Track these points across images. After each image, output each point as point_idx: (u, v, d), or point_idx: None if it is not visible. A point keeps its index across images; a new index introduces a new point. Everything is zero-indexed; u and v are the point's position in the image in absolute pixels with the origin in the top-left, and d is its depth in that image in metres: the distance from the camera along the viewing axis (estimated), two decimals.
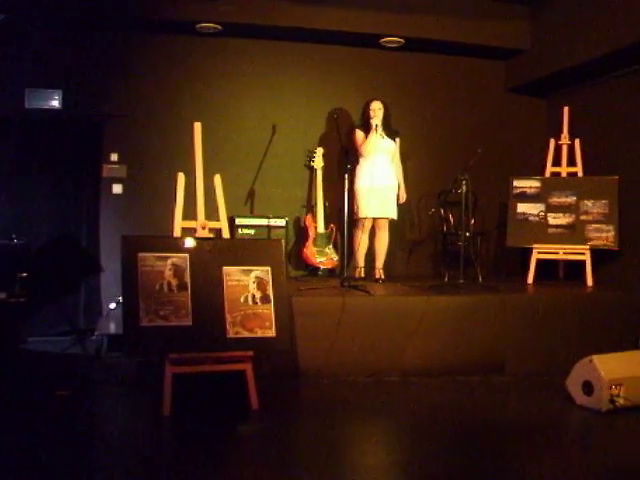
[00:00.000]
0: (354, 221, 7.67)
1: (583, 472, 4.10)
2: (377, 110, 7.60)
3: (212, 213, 5.72)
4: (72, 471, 3.90)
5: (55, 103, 7.55)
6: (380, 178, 7.49)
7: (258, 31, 7.93)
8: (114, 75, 7.75)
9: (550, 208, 7.92)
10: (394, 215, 7.64)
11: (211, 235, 5.70)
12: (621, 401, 5.13)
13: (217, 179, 5.74)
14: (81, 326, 7.44)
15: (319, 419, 5.09)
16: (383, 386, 5.98)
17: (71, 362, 6.44)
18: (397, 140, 7.74)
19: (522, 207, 8.04)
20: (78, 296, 7.64)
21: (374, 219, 7.60)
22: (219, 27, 7.73)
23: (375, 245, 7.72)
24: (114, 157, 7.81)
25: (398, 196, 7.72)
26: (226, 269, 5.32)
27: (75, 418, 4.89)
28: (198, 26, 7.69)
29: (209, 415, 5.03)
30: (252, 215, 8.02)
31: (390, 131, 7.66)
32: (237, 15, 7.58)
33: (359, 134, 7.64)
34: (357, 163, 7.64)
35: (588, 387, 5.24)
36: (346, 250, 7.03)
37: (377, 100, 7.64)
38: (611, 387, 5.13)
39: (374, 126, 7.49)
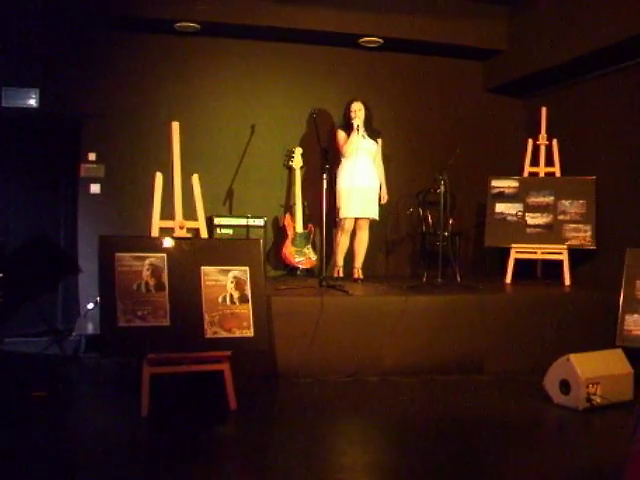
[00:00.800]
0: (335, 221, 7.68)
1: (560, 469, 4.13)
2: (358, 111, 7.59)
3: (191, 213, 5.70)
4: (48, 472, 3.87)
5: (32, 102, 7.49)
6: (362, 179, 7.50)
7: (237, 30, 7.91)
8: (92, 74, 7.70)
9: (528, 208, 7.95)
10: (375, 215, 7.64)
11: (189, 235, 5.68)
12: (598, 399, 5.17)
13: (195, 179, 5.72)
14: (59, 326, 7.40)
15: (297, 419, 5.09)
16: (362, 386, 5.98)
17: (49, 363, 6.40)
18: (379, 141, 7.74)
19: (500, 207, 8.07)
20: (56, 296, 7.60)
21: (355, 219, 7.60)
22: (198, 26, 7.70)
23: (355, 245, 7.72)
24: (92, 156, 7.75)
25: (380, 196, 7.72)
26: (204, 269, 5.31)
27: (52, 419, 4.86)
28: (177, 25, 7.66)
29: (187, 415, 5.02)
30: (231, 215, 8.00)
31: (372, 131, 7.68)
32: (216, 14, 7.56)
33: (341, 134, 7.64)
34: (339, 163, 7.65)
35: (565, 386, 5.27)
36: (325, 250, 7.03)
37: (358, 101, 7.64)
38: (588, 386, 5.17)
39: (355, 126, 7.49)
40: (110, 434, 4.62)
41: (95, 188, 7.78)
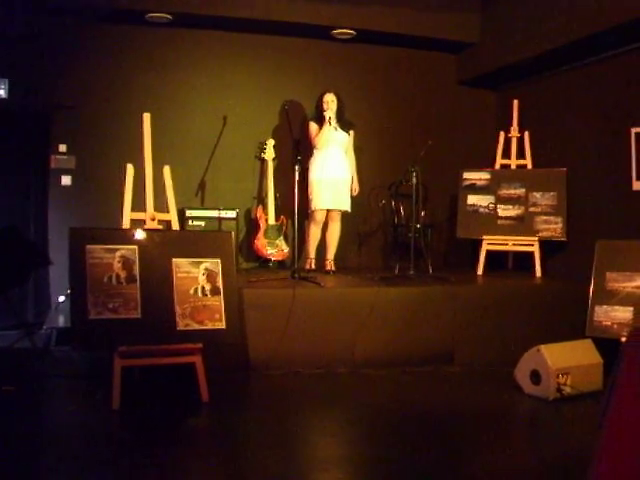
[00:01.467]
0: (307, 213, 7.68)
1: (530, 458, 4.17)
2: (330, 102, 7.59)
3: (162, 205, 5.68)
4: (17, 466, 3.85)
5: (1, 92, 7.41)
6: (334, 170, 7.51)
7: (209, 22, 7.88)
8: (63, 65, 7.62)
9: (500, 200, 7.99)
10: (348, 207, 7.65)
11: (160, 227, 5.66)
12: (568, 389, 5.23)
13: (166, 170, 5.71)
14: (29, 320, 7.35)
15: (269, 411, 5.09)
16: (333, 378, 6.00)
17: (19, 356, 6.35)
18: (351, 132, 7.75)
19: (472, 199, 8.11)
20: (26, 289, 7.53)
21: (327, 211, 7.61)
22: (169, 17, 7.66)
23: (327, 237, 7.73)
24: (63, 148, 7.68)
25: (352, 188, 7.73)
26: (175, 261, 5.29)
27: (21, 413, 4.83)
28: (148, 16, 7.61)
29: (159, 408, 5.00)
30: (203, 207, 7.98)
31: (344, 123, 7.67)
32: (188, 5, 7.52)
33: (313, 126, 7.63)
34: (311, 155, 7.65)
35: (536, 376, 5.32)
36: (297, 242, 7.03)
37: (330, 92, 7.64)
38: (558, 376, 5.22)
39: (328, 118, 7.49)
40: (81, 427, 4.60)
41: (66, 180, 7.72)
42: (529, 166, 8.08)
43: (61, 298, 6.88)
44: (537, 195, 7.83)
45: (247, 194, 8.31)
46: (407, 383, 5.93)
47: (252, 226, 8.20)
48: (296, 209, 6.95)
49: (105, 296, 5.00)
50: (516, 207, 7.91)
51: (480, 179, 8.10)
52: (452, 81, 9.14)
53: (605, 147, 7.35)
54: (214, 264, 5.42)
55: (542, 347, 5.29)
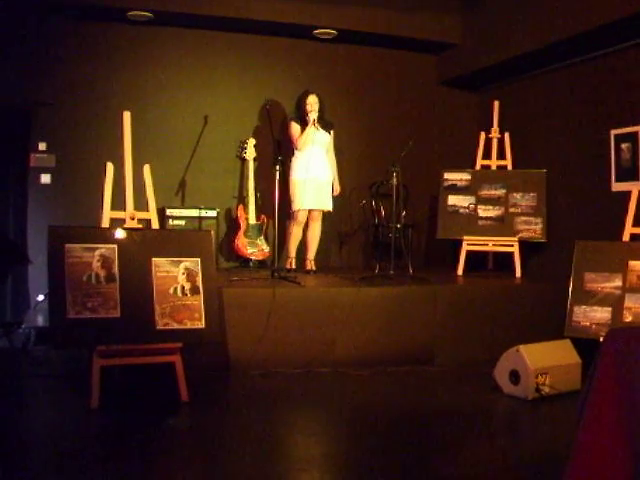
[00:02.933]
0: (288, 213, 7.67)
1: (509, 457, 4.18)
2: (314, 104, 7.60)
3: (142, 204, 5.66)
4: None
5: None
6: (315, 170, 7.52)
7: (190, 20, 7.87)
8: (43, 62, 7.58)
9: (480, 200, 8.02)
10: (329, 207, 7.67)
11: (140, 226, 5.64)
12: (546, 389, 5.25)
13: (146, 169, 5.69)
14: (8, 319, 7.30)
15: (249, 411, 5.08)
16: (314, 378, 5.99)
17: None
18: (332, 132, 7.76)
19: (452, 199, 8.13)
20: (4, 288, 7.48)
21: (309, 211, 7.61)
22: (150, 15, 7.63)
23: (307, 236, 7.73)
24: (42, 146, 7.64)
25: (333, 188, 7.74)
26: (155, 260, 5.27)
27: None
28: (129, 14, 7.58)
29: (138, 407, 4.98)
30: (183, 206, 7.96)
31: (325, 123, 7.68)
32: (169, 3, 7.51)
33: (295, 127, 7.63)
34: (292, 155, 7.64)
35: (515, 376, 5.33)
36: (277, 241, 7.03)
37: (313, 94, 7.65)
38: (537, 376, 5.24)
39: (312, 120, 7.50)
40: (59, 426, 4.58)
41: (45, 178, 7.68)
42: (509, 167, 8.12)
43: (40, 297, 6.84)
44: (517, 196, 7.87)
45: (228, 193, 8.30)
46: (387, 383, 5.93)
47: (232, 225, 8.18)
48: (277, 208, 6.95)
49: (84, 295, 4.97)
50: (496, 208, 7.94)
51: (461, 180, 8.13)
52: (433, 82, 9.17)
53: (585, 148, 7.41)
54: (194, 263, 5.41)
55: (521, 347, 5.31)
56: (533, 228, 7.76)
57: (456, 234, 8.07)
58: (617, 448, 2.51)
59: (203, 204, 7.86)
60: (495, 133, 8.26)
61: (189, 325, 5.23)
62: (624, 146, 6.67)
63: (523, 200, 7.85)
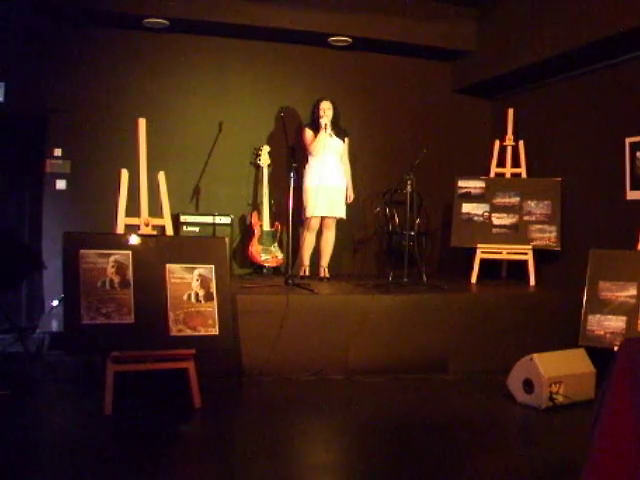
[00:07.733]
0: (301, 220, 7.68)
1: (523, 467, 4.17)
2: (327, 110, 7.61)
3: (157, 210, 5.68)
4: (9, 471, 3.83)
5: None
6: (329, 177, 7.51)
7: (206, 28, 7.89)
8: (59, 69, 7.62)
9: (494, 208, 7.99)
10: (342, 214, 7.66)
11: (155, 232, 5.65)
12: (560, 398, 5.23)
13: (161, 176, 5.70)
14: (22, 324, 7.31)
15: (262, 418, 5.09)
16: (326, 385, 5.99)
17: (11, 360, 6.32)
18: (346, 140, 7.76)
19: (466, 207, 8.10)
20: (19, 293, 7.50)
21: (322, 218, 7.61)
22: (167, 22, 7.66)
23: (321, 244, 7.73)
24: (58, 152, 7.67)
25: (346, 196, 7.74)
26: (169, 266, 5.29)
27: (14, 418, 4.81)
28: (146, 21, 7.61)
29: (151, 413, 4.99)
30: (197, 212, 7.97)
31: (339, 130, 7.68)
32: (185, 11, 7.53)
33: (308, 133, 7.64)
34: (306, 162, 7.65)
35: (528, 385, 5.31)
36: (291, 248, 7.04)
37: (327, 100, 7.66)
38: (551, 385, 5.22)
39: (323, 125, 7.50)
40: (73, 433, 4.59)
41: (61, 184, 7.71)
42: (524, 175, 8.09)
43: (54, 302, 6.85)
44: (531, 204, 7.84)
45: (242, 200, 8.31)
46: (400, 391, 5.92)
47: (246, 232, 8.19)
48: (291, 215, 6.96)
49: (98, 301, 4.99)
50: (510, 216, 7.91)
51: (475, 187, 8.10)
52: (448, 89, 9.15)
53: (599, 157, 7.37)
54: (208, 270, 5.42)
55: (535, 356, 5.29)
56: (547, 236, 7.73)
57: (470, 242, 8.04)
58: (634, 456, 2.50)
59: (217, 211, 7.87)
60: (509, 141, 8.23)
61: (203, 332, 5.24)
62: (639, 154, 6.65)
63: (537, 208, 7.82)
